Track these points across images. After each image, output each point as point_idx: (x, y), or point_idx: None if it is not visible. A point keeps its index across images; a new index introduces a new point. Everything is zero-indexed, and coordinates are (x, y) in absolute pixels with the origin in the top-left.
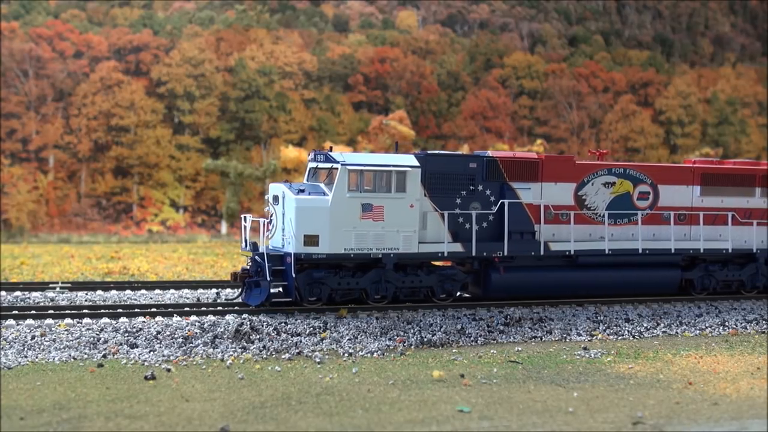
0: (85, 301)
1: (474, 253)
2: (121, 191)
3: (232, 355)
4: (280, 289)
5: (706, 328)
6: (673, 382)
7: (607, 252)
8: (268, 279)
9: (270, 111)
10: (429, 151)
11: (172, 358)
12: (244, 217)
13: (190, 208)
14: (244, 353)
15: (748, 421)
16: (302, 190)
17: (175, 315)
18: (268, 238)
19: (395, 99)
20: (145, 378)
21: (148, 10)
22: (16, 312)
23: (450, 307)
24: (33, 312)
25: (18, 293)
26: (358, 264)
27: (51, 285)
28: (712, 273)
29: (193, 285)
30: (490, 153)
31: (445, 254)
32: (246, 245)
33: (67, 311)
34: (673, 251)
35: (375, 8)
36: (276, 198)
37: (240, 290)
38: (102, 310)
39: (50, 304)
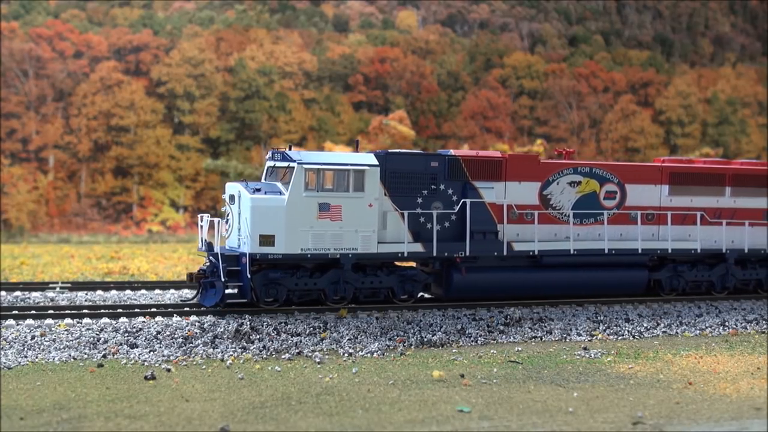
0: (85, 301)
1: (435, 254)
2: (121, 191)
3: (232, 355)
4: (237, 290)
5: (706, 328)
6: (673, 382)
7: (572, 252)
8: (223, 280)
9: (270, 111)
10: (389, 150)
11: (172, 358)
12: (201, 217)
13: (190, 208)
14: (244, 353)
15: (748, 421)
16: (258, 189)
17: (175, 315)
18: (225, 238)
19: (395, 99)
20: (145, 378)
21: (148, 10)
22: (16, 312)
23: (450, 307)
24: (33, 312)
25: (18, 293)
26: (318, 264)
27: (51, 285)
28: (681, 273)
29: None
30: (452, 152)
31: (406, 254)
32: (202, 245)
33: (67, 311)
34: (640, 251)
35: (375, 8)
36: (232, 197)
37: (197, 291)
38: (102, 310)
39: (50, 304)
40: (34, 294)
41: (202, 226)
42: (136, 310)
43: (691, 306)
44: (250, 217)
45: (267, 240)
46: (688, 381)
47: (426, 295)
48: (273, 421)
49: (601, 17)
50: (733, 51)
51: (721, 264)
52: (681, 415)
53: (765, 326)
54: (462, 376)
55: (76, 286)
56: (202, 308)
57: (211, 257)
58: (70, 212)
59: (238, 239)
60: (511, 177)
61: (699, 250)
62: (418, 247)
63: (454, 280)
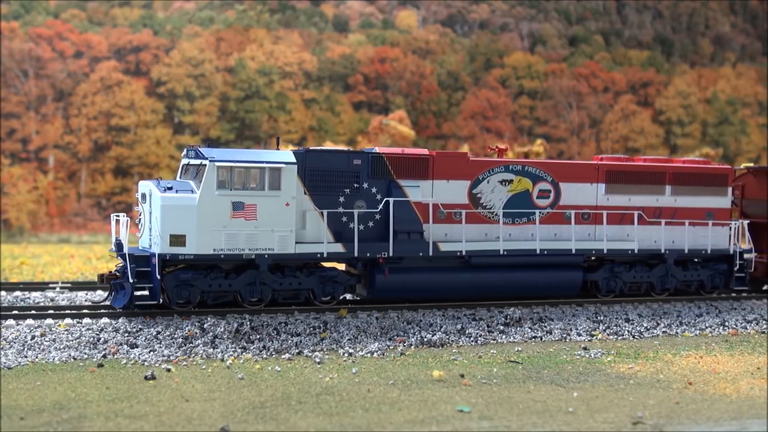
0: (85, 301)
1: (356, 254)
2: (121, 191)
3: (232, 355)
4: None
5: (706, 328)
6: (673, 382)
7: (501, 252)
8: (131, 281)
9: (270, 111)
10: (310, 147)
11: (172, 358)
12: (113, 216)
13: None
14: (244, 353)
15: (748, 421)
16: (170, 188)
17: (174, 315)
18: (139, 238)
19: (395, 99)
20: (145, 378)
21: (148, 10)
22: (16, 312)
23: (450, 307)
24: (33, 312)
25: (18, 293)
26: (235, 265)
27: (51, 285)
28: (618, 274)
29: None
30: (377, 149)
31: (325, 255)
32: (114, 245)
33: (67, 311)
34: (573, 252)
35: (375, 8)
36: (144, 196)
37: (108, 292)
38: (102, 310)
39: (50, 304)
40: (34, 294)
41: (114, 226)
42: (136, 310)
43: (691, 306)
44: (160, 216)
45: (178, 240)
46: (688, 381)
47: (349, 297)
48: (273, 421)
49: (601, 17)
50: (733, 51)
51: (661, 265)
52: (681, 415)
53: (765, 326)
54: (462, 376)
55: (76, 286)
56: (202, 308)
57: (120, 257)
58: (70, 212)
59: (150, 239)
60: (439, 175)
61: (636, 251)
62: (338, 248)
63: (377, 281)
